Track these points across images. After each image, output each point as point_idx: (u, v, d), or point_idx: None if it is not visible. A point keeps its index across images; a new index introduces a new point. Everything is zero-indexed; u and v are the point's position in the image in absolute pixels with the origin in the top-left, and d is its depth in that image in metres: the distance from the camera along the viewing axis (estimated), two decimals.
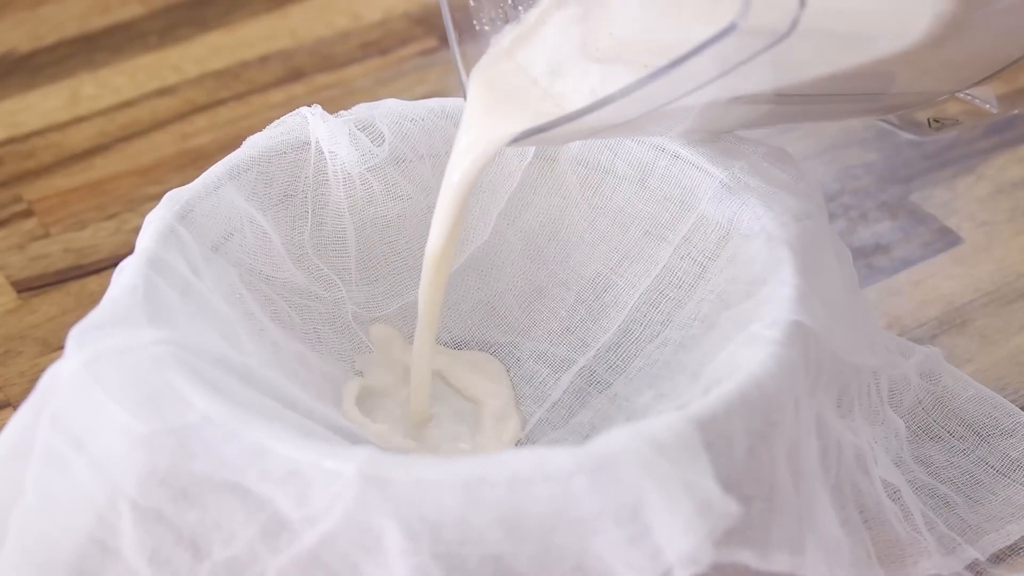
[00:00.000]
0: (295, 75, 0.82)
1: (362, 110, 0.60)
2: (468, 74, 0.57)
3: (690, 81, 0.48)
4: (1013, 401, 0.63)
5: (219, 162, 0.58)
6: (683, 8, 0.53)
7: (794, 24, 0.47)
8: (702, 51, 0.47)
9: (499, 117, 0.54)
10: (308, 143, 0.59)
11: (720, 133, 0.58)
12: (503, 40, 0.57)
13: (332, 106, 0.79)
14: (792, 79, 0.52)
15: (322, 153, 0.59)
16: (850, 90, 0.55)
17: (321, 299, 0.60)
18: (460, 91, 0.57)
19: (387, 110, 0.61)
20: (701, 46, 0.47)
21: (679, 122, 0.55)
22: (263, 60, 0.83)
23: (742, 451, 0.48)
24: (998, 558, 0.57)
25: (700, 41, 0.47)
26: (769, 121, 0.60)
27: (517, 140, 0.53)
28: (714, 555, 0.45)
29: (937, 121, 0.60)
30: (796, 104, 0.54)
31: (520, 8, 0.57)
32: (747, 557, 0.47)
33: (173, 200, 0.56)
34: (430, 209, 0.61)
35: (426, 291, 0.57)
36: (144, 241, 0.54)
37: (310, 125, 0.59)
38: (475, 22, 0.57)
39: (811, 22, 0.47)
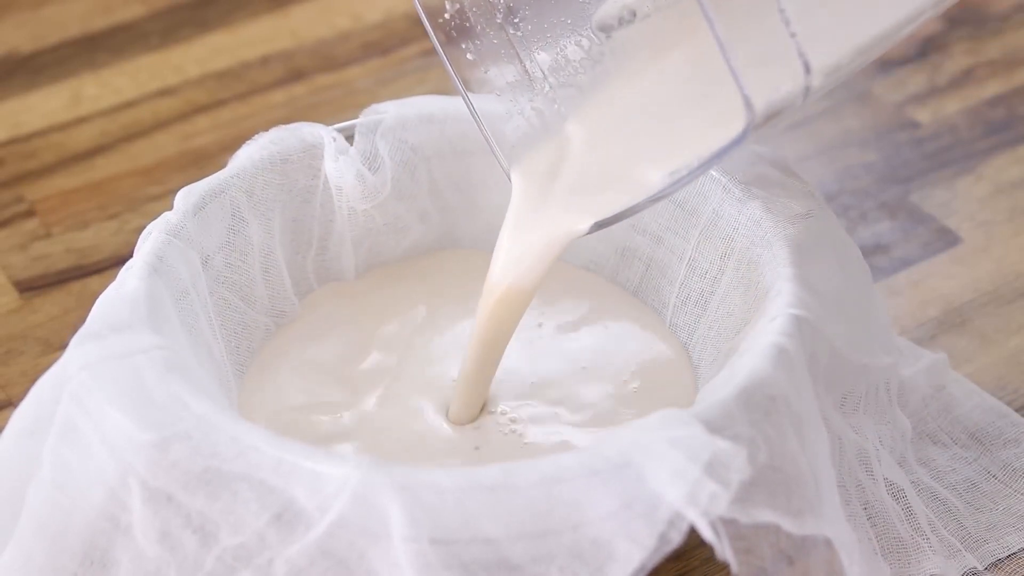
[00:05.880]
0: (296, 75, 0.82)
1: (366, 140, 0.60)
2: (459, 80, 0.56)
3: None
4: (1012, 401, 0.63)
5: (227, 170, 0.58)
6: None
7: (807, 91, 0.47)
8: (724, 153, 0.48)
9: (567, 206, 0.54)
10: (318, 160, 0.60)
11: None
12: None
13: (333, 107, 0.80)
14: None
15: (329, 188, 0.60)
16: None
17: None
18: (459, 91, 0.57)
19: (389, 132, 0.61)
20: (721, 151, 0.47)
21: None
22: (264, 60, 0.83)
23: (745, 427, 0.48)
24: (994, 565, 0.57)
25: (717, 147, 0.47)
26: None
27: (594, 229, 0.53)
28: (732, 508, 0.46)
29: None
30: None
31: (513, 30, 0.56)
32: (772, 516, 0.47)
33: (184, 199, 0.57)
34: (426, 238, 0.62)
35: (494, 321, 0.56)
36: (150, 243, 0.55)
37: (325, 158, 0.59)
38: (465, 47, 0.56)
39: (827, 67, 0.47)
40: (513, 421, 0.57)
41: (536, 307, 0.60)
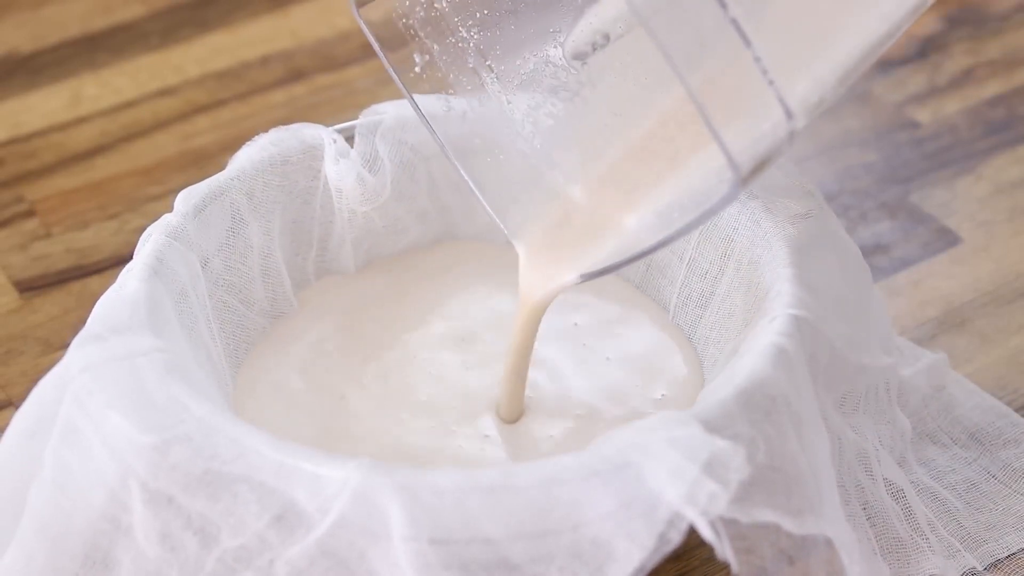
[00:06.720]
0: (296, 75, 0.82)
1: (365, 142, 0.60)
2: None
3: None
4: (1012, 401, 0.63)
5: (227, 171, 0.58)
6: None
7: (792, 135, 0.46)
8: (715, 211, 0.47)
9: (562, 260, 0.54)
10: (318, 162, 0.60)
11: None
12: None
13: (333, 107, 0.80)
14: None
15: (329, 189, 0.60)
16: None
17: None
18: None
19: (389, 133, 0.61)
20: (711, 210, 0.47)
21: None
22: (264, 60, 0.83)
23: (744, 427, 0.48)
24: (994, 565, 0.57)
25: (707, 206, 0.47)
26: None
27: (585, 280, 0.53)
28: (732, 508, 0.46)
29: None
30: None
31: (486, 72, 0.56)
32: (772, 516, 0.48)
33: (184, 200, 0.57)
34: (424, 237, 0.62)
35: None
36: (150, 246, 0.55)
37: (325, 161, 0.59)
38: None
39: (810, 106, 0.46)
40: (543, 435, 0.57)
41: (569, 310, 0.60)
